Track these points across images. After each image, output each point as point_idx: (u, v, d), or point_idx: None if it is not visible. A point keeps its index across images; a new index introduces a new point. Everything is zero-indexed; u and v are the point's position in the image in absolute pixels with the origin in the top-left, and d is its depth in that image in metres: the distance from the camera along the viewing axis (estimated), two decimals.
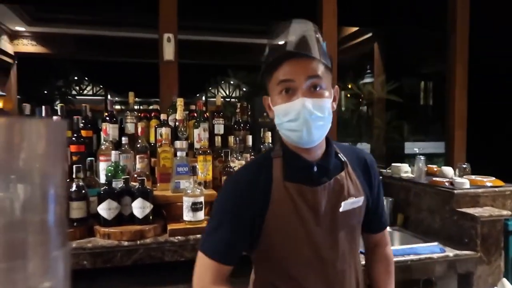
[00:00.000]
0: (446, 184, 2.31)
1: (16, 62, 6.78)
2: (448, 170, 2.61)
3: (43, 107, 2.18)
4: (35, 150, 0.36)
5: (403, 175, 2.75)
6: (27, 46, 6.64)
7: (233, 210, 1.09)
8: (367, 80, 6.71)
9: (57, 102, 2.40)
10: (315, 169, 1.10)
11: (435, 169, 2.77)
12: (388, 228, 1.37)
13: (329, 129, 1.10)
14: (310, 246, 1.08)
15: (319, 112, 1.03)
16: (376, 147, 5.66)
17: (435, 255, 2.01)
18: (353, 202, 1.12)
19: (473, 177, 2.45)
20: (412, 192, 2.50)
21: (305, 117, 1.01)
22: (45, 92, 9.08)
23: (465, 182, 2.25)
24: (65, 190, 0.36)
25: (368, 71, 6.74)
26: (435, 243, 2.12)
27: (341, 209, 1.10)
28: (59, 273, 0.37)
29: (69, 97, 9.69)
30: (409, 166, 2.88)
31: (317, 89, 1.03)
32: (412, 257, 1.98)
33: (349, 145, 1.31)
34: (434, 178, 2.47)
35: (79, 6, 5.39)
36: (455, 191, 2.18)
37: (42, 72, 8.56)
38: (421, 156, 2.74)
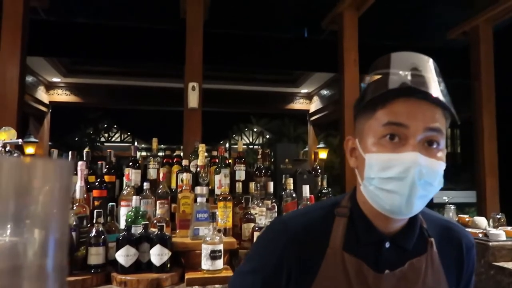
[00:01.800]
0: (480, 235, 2.18)
1: (50, 110, 7.13)
2: (481, 221, 2.47)
3: (70, 152, 2.24)
4: (39, 191, 0.35)
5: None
6: (61, 95, 7.01)
7: (272, 261, 0.86)
8: None
9: (85, 149, 2.50)
10: (387, 245, 0.83)
11: (467, 219, 2.63)
12: None
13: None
14: None
15: (430, 177, 0.75)
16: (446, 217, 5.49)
17: None
18: None
19: (508, 228, 2.31)
20: None
21: (413, 178, 0.74)
22: (76, 139, 9.44)
23: (500, 234, 2.12)
24: (68, 235, 0.34)
25: None
26: None
27: None
28: None
29: (97, 143, 10.02)
30: (467, 231, 2.75)
31: (434, 146, 0.76)
32: None
33: (443, 218, 0.96)
34: (466, 229, 2.34)
35: (110, 59, 5.72)
36: (490, 243, 2.04)
37: (74, 120, 8.97)
38: (451, 205, 2.63)
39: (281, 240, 0.86)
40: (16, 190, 0.34)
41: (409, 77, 0.75)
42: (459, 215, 2.69)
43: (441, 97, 0.75)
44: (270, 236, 0.91)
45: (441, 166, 0.77)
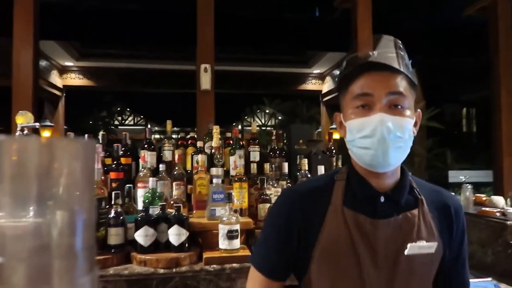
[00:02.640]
0: (497, 214, 2.16)
1: (64, 94, 7.19)
2: (499, 200, 2.44)
3: (86, 135, 2.26)
4: (65, 170, 0.35)
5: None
6: (74, 79, 7.05)
7: (281, 223, 1.00)
8: None
9: (100, 132, 2.54)
10: (382, 199, 0.95)
11: (484, 199, 2.60)
12: None
13: (407, 155, 0.96)
14: (360, 287, 0.93)
15: (399, 131, 0.90)
16: (417, 175, 5.43)
17: None
18: (422, 247, 0.93)
19: None
20: None
21: (383, 134, 0.89)
22: (90, 122, 9.54)
23: None
24: (94, 214, 0.35)
25: None
26: (489, 279, 1.95)
27: (406, 252, 0.92)
28: None
29: (111, 127, 10.11)
30: (455, 195, 2.72)
31: (398, 107, 0.91)
32: None
33: (432, 184, 1.10)
34: (483, 208, 2.32)
35: (121, 42, 5.71)
36: (508, 222, 2.02)
37: (88, 104, 9.04)
38: (468, 184, 2.59)
39: (287, 204, 1.01)
40: (39, 171, 0.34)
41: (372, 55, 0.92)
42: (475, 195, 2.66)
43: (400, 67, 0.91)
44: (279, 202, 1.05)
45: (407, 121, 0.92)
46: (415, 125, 0.97)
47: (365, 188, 0.97)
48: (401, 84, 0.92)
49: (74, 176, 0.36)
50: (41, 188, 0.34)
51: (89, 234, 0.35)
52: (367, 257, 0.92)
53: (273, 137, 2.58)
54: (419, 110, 0.99)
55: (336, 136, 3.39)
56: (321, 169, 2.18)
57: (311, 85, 7.74)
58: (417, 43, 5.25)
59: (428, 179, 5.34)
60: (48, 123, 6.47)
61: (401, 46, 0.95)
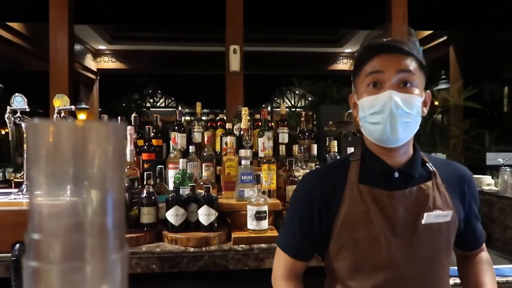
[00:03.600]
0: None
1: (98, 78, 7.40)
2: None
3: (119, 117, 2.32)
4: (97, 152, 0.36)
5: (485, 188, 2.51)
6: (108, 63, 7.23)
7: (304, 204, 1.06)
8: (442, 86, 6.30)
9: (133, 114, 2.61)
10: (396, 174, 1.01)
11: None
12: None
13: (415, 131, 1.01)
14: (382, 256, 0.99)
15: (407, 107, 0.96)
16: (453, 158, 5.26)
17: None
18: (438, 215, 0.99)
19: None
20: (496, 207, 2.27)
21: (391, 110, 0.95)
22: (123, 105, 9.78)
23: None
24: (124, 194, 0.36)
25: (443, 76, 6.32)
26: None
27: (423, 221, 0.98)
28: (116, 277, 0.36)
29: (143, 109, 10.33)
30: (492, 178, 2.62)
31: (407, 85, 0.97)
32: (498, 279, 1.78)
33: (442, 158, 1.18)
34: None
35: (152, 24, 5.76)
36: None
37: (121, 86, 9.25)
38: (506, 167, 2.49)
39: (308, 186, 1.08)
40: (73, 153, 0.35)
41: (385, 39, 1.00)
42: None
43: (411, 51, 0.97)
44: (300, 186, 1.13)
45: (415, 98, 0.97)
46: (424, 105, 1.02)
47: (379, 165, 1.03)
48: (411, 64, 0.97)
49: (106, 157, 0.37)
50: (76, 169, 0.35)
51: (120, 213, 0.37)
52: (386, 228, 0.97)
53: (302, 119, 2.56)
54: (428, 91, 1.04)
55: None
56: (351, 151, 2.14)
57: (342, 65, 7.58)
58: (454, 17, 4.99)
59: (464, 161, 5.16)
60: (84, 106, 6.69)
61: (413, 33, 1.04)
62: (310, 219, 1.05)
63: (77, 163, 0.35)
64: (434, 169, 1.05)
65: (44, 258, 0.34)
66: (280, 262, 1.10)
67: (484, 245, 1.20)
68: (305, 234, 1.06)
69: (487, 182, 2.58)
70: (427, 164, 1.06)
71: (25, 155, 2.19)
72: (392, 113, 0.95)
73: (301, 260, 1.09)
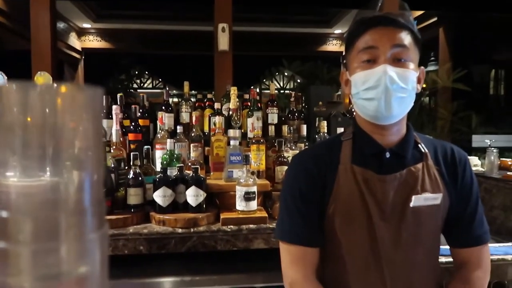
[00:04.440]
0: None
1: (83, 57, 7.21)
2: None
3: (103, 97, 2.26)
4: (68, 119, 0.32)
5: (472, 168, 2.53)
6: (93, 42, 7.04)
7: (300, 185, 1.02)
8: (431, 68, 6.31)
9: (118, 94, 2.54)
10: (388, 155, 0.99)
11: (510, 163, 2.52)
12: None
13: (410, 108, 0.98)
14: (371, 240, 0.97)
15: (402, 82, 0.93)
16: (440, 139, 5.31)
17: (509, 257, 1.82)
18: (427, 198, 0.97)
19: None
20: (483, 187, 2.29)
21: (386, 84, 0.91)
22: (110, 85, 9.57)
23: None
24: (103, 167, 0.33)
25: (432, 58, 6.32)
26: (510, 244, 1.91)
27: (411, 204, 0.96)
28: (95, 258, 0.33)
29: (130, 90, 10.13)
30: (479, 159, 2.64)
31: (402, 61, 0.94)
32: None
33: (436, 139, 1.14)
34: (508, 173, 2.25)
35: (139, 2, 5.60)
36: None
37: (107, 66, 9.03)
38: (493, 148, 2.51)
39: (302, 166, 1.04)
40: (43, 121, 0.32)
41: (383, 13, 0.97)
42: (501, 159, 2.58)
43: (405, 23, 0.94)
44: (292, 165, 1.09)
45: (410, 72, 0.94)
46: (418, 81, 0.99)
47: (370, 145, 1.00)
48: (406, 38, 0.94)
49: (81, 125, 0.33)
50: (46, 140, 0.32)
51: (98, 188, 0.33)
52: (376, 211, 0.96)
53: (292, 99, 2.53)
54: (422, 67, 1.01)
55: None
56: (340, 131, 2.13)
57: (332, 46, 7.53)
58: None
59: (451, 143, 5.22)
60: None
61: (407, 7, 1.02)
62: (310, 200, 1.00)
63: (46, 133, 0.32)
64: (426, 150, 1.02)
65: (13, 238, 0.31)
66: (292, 257, 1.00)
67: (484, 264, 1.05)
68: (309, 216, 1.00)
69: (474, 163, 2.60)
70: (419, 145, 1.03)
71: None
72: (387, 88, 0.92)
73: (312, 245, 1.00)
